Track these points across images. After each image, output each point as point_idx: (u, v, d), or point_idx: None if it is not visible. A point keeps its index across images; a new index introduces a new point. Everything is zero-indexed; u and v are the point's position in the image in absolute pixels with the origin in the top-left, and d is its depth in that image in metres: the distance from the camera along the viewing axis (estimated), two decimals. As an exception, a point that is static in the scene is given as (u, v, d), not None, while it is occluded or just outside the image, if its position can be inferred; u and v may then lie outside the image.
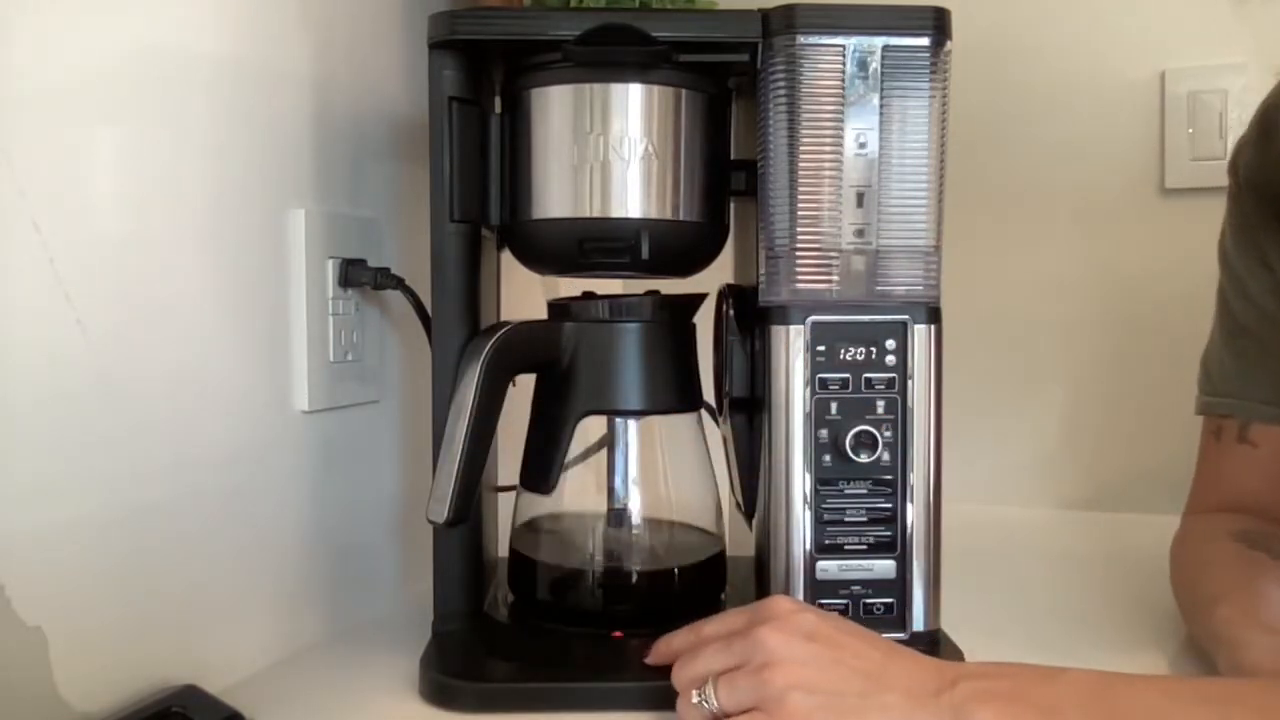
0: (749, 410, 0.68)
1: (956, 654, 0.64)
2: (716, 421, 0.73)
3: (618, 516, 0.72)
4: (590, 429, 0.71)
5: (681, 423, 0.73)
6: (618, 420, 0.72)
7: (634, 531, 0.72)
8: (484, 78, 0.69)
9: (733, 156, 0.72)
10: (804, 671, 0.51)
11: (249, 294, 0.66)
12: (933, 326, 0.65)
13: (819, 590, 0.64)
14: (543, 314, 0.72)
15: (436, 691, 0.62)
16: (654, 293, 0.72)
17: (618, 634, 0.68)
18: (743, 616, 0.56)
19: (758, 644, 0.53)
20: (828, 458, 0.64)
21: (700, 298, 0.72)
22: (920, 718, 0.50)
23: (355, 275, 0.74)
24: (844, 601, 0.64)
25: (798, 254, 0.64)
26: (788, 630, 0.53)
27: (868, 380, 0.64)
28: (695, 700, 0.54)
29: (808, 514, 0.64)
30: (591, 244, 0.66)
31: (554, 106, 0.66)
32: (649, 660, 0.61)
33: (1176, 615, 0.72)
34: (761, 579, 0.66)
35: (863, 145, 0.63)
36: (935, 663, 0.53)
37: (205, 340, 0.62)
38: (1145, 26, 1.10)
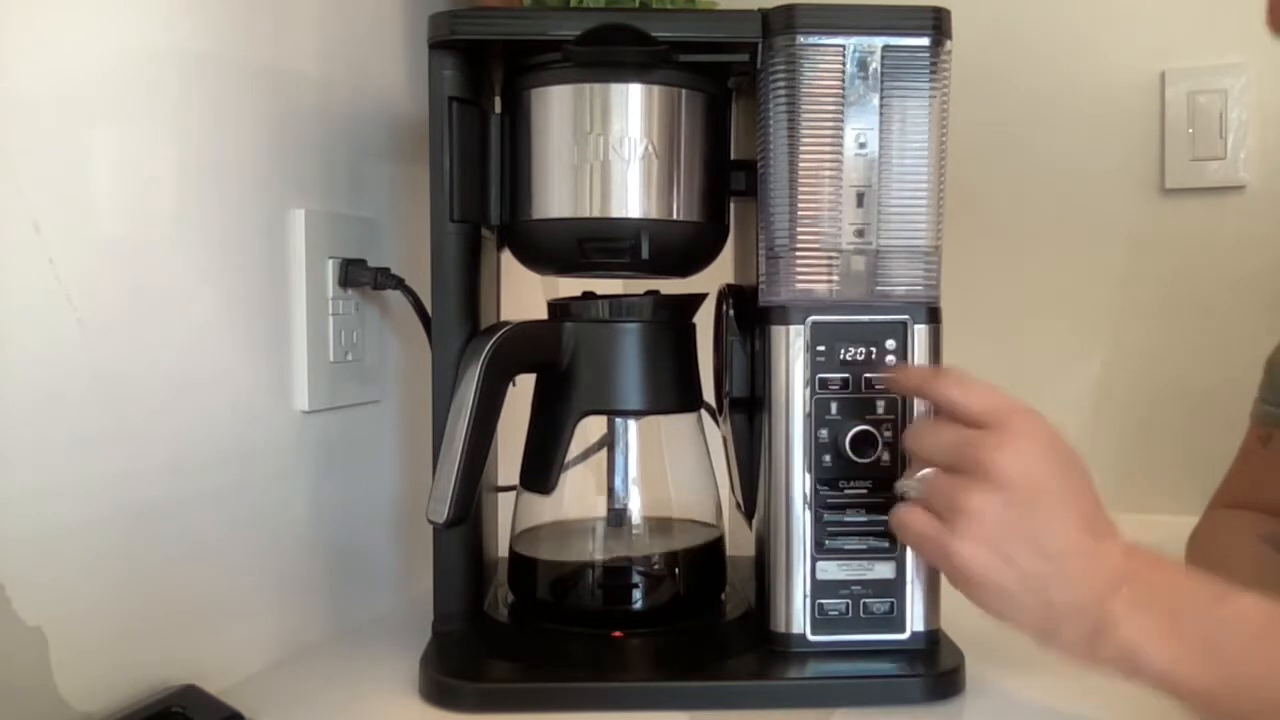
0: (749, 410, 0.68)
1: (956, 654, 0.64)
2: (716, 421, 0.73)
3: (617, 516, 0.72)
4: (590, 429, 0.71)
5: (681, 423, 0.73)
6: (618, 420, 0.72)
7: (634, 531, 0.72)
8: (484, 78, 0.69)
9: (733, 156, 0.72)
10: (998, 517, 0.51)
11: (249, 294, 0.66)
12: (933, 326, 0.65)
13: (819, 590, 0.64)
14: (543, 314, 0.72)
15: (436, 691, 0.62)
16: (654, 293, 0.72)
17: (618, 634, 0.68)
18: (990, 406, 0.54)
19: (982, 463, 0.52)
20: (828, 458, 0.64)
21: (700, 298, 0.72)
22: (1069, 626, 0.50)
23: (355, 275, 0.74)
24: (844, 601, 0.64)
25: (798, 254, 0.64)
26: (1018, 464, 0.51)
27: (868, 380, 0.64)
28: (901, 489, 0.57)
29: (808, 514, 0.64)
30: (591, 244, 0.67)
31: (554, 106, 0.66)
32: (894, 373, 0.61)
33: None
34: (761, 579, 0.66)
35: (863, 145, 0.63)
36: (1108, 555, 0.51)
37: (205, 340, 0.62)
38: (1145, 26, 1.10)
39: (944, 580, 0.65)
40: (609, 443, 0.72)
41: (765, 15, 0.64)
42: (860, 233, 0.64)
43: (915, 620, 0.64)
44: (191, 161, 0.61)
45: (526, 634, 0.69)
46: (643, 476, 0.72)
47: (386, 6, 0.81)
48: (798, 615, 0.64)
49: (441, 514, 0.61)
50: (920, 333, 0.64)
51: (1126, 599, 0.49)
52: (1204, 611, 0.48)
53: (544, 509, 0.73)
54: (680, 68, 0.66)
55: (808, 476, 0.64)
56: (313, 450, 0.72)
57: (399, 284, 0.74)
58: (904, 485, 0.56)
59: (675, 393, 0.71)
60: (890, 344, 0.64)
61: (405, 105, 0.82)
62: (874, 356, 0.64)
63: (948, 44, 0.64)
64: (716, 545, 0.73)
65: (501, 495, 0.77)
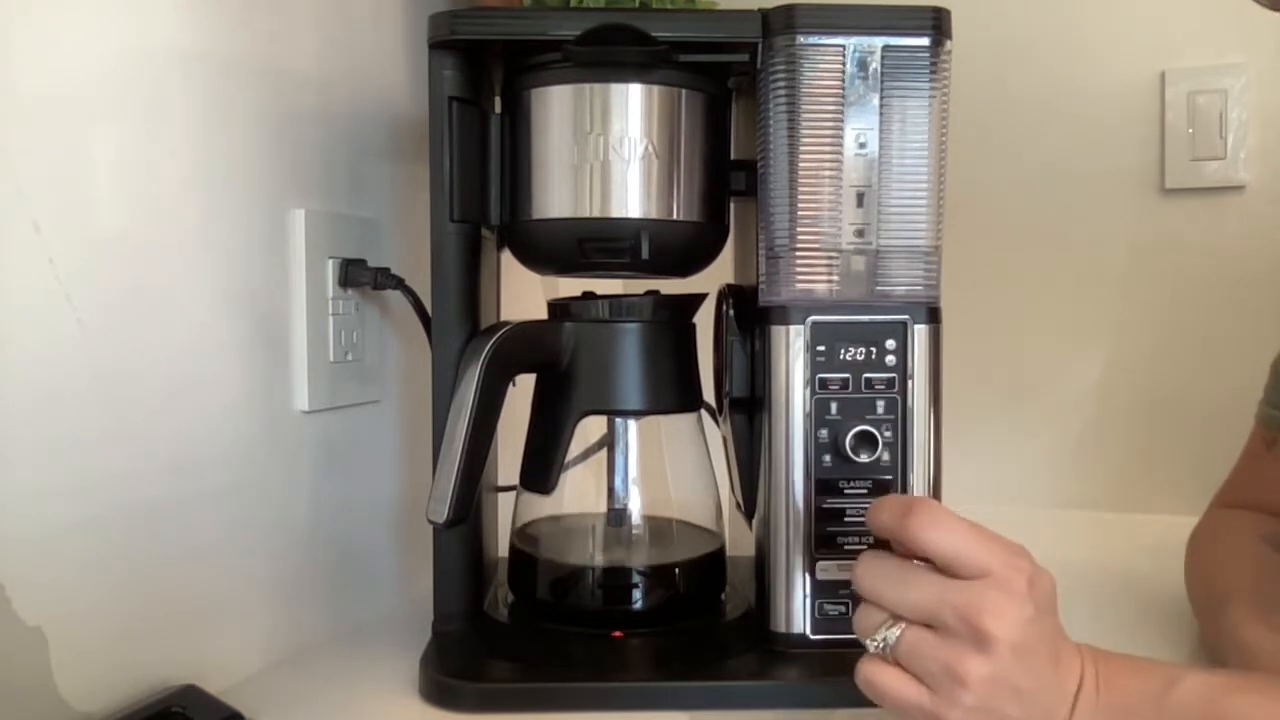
0: (749, 410, 0.68)
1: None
2: (716, 421, 0.73)
3: (617, 516, 0.72)
4: (590, 429, 0.71)
5: (681, 423, 0.73)
6: (618, 420, 0.72)
7: (634, 531, 0.72)
8: (484, 78, 0.69)
9: (733, 156, 0.72)
10: (996, 684, 0.48)
11: (249, 294, 0.66)
12: (933, 326, 0.65)
13: (819, 590, 0.64)
14: (543, 314, 0.72)
15: (436, 691, 0.62)
16: (654, 293, 0.72)
17: (618, 634, 0.68)
18: (981, 562, 0.49)
19: (976, 627, 0.48)
20: (828, 458, 0.64)
21: (700, 298, 0.72)
22: None
23: (355, 275, 0.74)
24: (844, 601, 0.64)
25: (798, 254, 0.64)
26: (1013, 627, 0.48)
27: (868, 380, 0.64)
28: (875, 643, 0.50)
29: (808, 514, 0.64)
30: (591, 244, 0.67)
31: (554, 106, 0.66)
32: (869, 517, 0.53)
33: (1181, 617, 0.72)
34: (761, 579, 0.66)
35: (863, 145, 0.63)
36: (1073, 672, 0.50)
37: (205, 340, 0.62)
38: (1145, 26, 1.10)
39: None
40: (609, 443, 0.72)
41: (765, 15, 0.64)
42: (860, 233, 0.64)
43: (915, 620, 0.64)
44: (191, 161, 0.61)
45: (526, 634, 0.69)
46: (643, 476, 0.72)
47: (386, 6, 0.81)
48: (798, 615, 0.64)
49: (441, 514, 0.61)
50: (920, 333, 0.64)
51: (1081, 712, 0.49)
52: (1151, 711, 0.49)
53: (544, 509, 0.73)
54: (680, 68, 0.66)
55: (808, 476, 0.64)
56: (313, 450, 0.72)
57: (399, 284, 0.74)
58: (878, 642, 0.50)
59: (675, 393, 0.71)
60: (890, 344, 0.64)
61: (405, 105, 0.82)
62: (874, 356, 0.64)
63: (948, 44, 0.64)
64: (716, 545, 0.73)
65: (501, 495, 0.77)
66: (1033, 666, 0.49)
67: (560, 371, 0.68)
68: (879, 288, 0.64)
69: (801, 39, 0.62)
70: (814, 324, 0.64)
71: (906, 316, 0.64)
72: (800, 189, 0.63)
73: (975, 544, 0.49)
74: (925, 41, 0.63)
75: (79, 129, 0.54)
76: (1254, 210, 1.06)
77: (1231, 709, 0.48)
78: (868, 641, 0.51)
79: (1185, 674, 0.49)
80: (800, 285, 0.64)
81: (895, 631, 0.50)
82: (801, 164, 0.63)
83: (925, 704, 0.49)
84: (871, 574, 0.51)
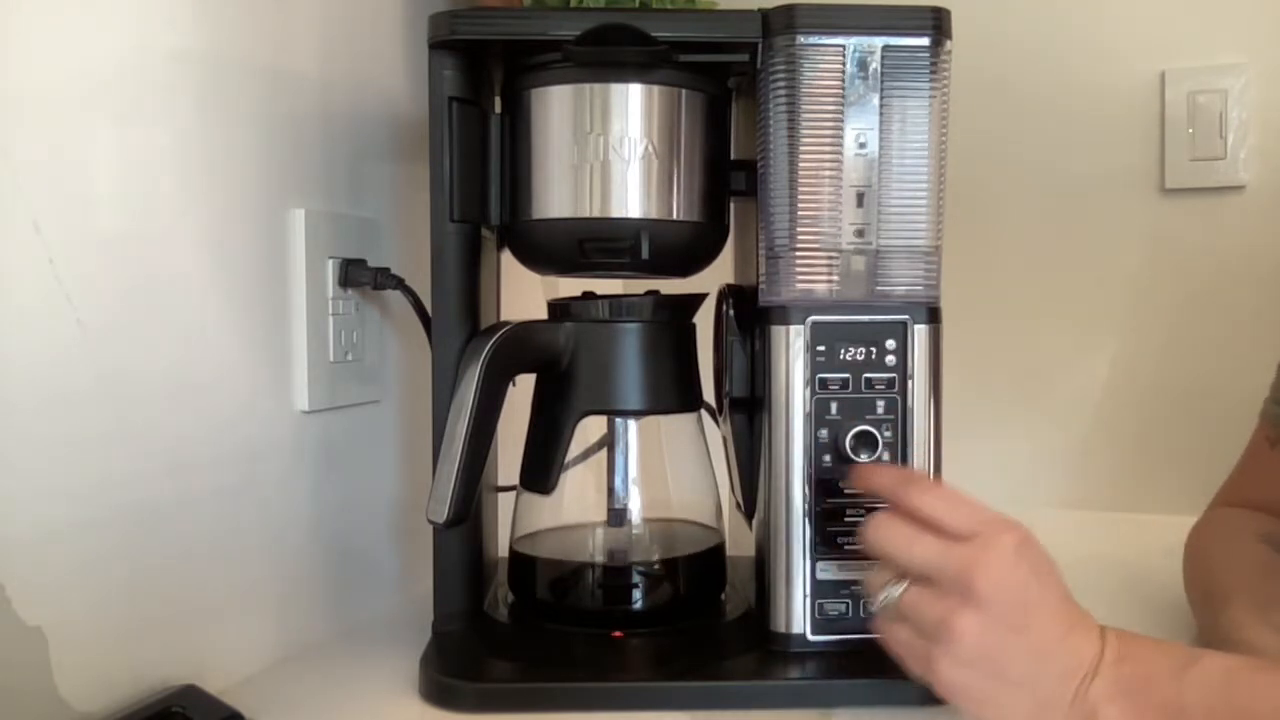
0: (749, 410, 0.68)
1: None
2: (716, 421, 0.73)
3: (617, 516, 0.72)
4: (590, 429, 0.71)
5: (681, 423, 0.73)
6: (618, 420, 0.72)
7: (634, 531, 0.72)
8: (484, 78, 0.69)
9: (733, 156, 0.72)
10: (985, 636, 0.51)
11: (249, 294, 0.66)
12: (933, 326, 0.65)
13: (819, 590, 0.64)
14: (543, 314, 0.72)
15: (436, 691, 0.62)
16: (654, 293, 0.72)
17: (618, 634, 0.68)
18: (972, 523, 0.53)
19: (966, 583, 0.51)
20: (828, 458, 0.64)
21: (700, 298, 0.72)
22: (1054, 716, 0.50)
23: (355, 275, 0.74)
24: (844, 601, 0.64)
25: (798, 254, 0.64)
26: (1002, 584, 0.51)
27: (868, 380, 0.64)
28: (881, 598, 0.54)
29: (808, 514, 0.64)
30: (591, 244, 0.66)
31: (554, 106, 0.66)
32: (864, 474, 0.59)
33: (1181, 617, 0.72)
34: (761, 579, 0.66)
35: (863, 145, 0.63)
36: (1085, 647, 0.51)
37: (205, 340, 0.62)
38: (1145, 26, 1.10)
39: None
40: (609, 443, 0.72)
41: (765, 15, 0.64)
42: (860, 233, 0.64)
43: (915, 620, 0.64)
44: (192, 161, 0.61)
45: (526, 634, 0.69)
46: (643, 476, 0.72)
47: (386, 6, 0.81)
48: (798, 615, 0.64)
49: (441, 514, 0.61)
50: (920, 333, 0.64)
51: (1100, 688, 0.50)
52: (1170, 683, 0.49)
53: (544, 509, 0.73)
54: (680, 68, 0.66)
55: (808, 476, 0.64)
56: (313, 450, 0.72)
57: (399, 284, 0.74)
58: (883, 598, 0.55)
59: (675, 393, 0.71)
60: (890, 344, 0.64)
61: (405, 105, 0.82)
62: (874, 356, 0.64)
63: (948, 44, 0.64)
64: (716, 545, 0.73)
65: (501, 495, 0.77)
66: (1029, 626, 0.51)
67: (560, 371, 0.68)
68: (879, 288, 0.64)
69: (801, 39, 0.62)
70: (814, 324, 0.64)
71: (906, 316, 0.64)
72: (800, 189, 0.63)
73: (965, 507, 0.54)
74: (925, 41, 0.63)
75: (79, 129, 0.54)
76: (1254, 210, 1.06)
77: (1251, 686, 0.48)
78: (875, 596, 0.55)
79: (1206, 653, 0.51)
80: (800, 285, 0.64)
81: (898, 590, 0.54)
82: (801, 164, 0.63)
83: (921, 655, 0.53)
84: (880, 533, 0.55)
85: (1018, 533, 0.53)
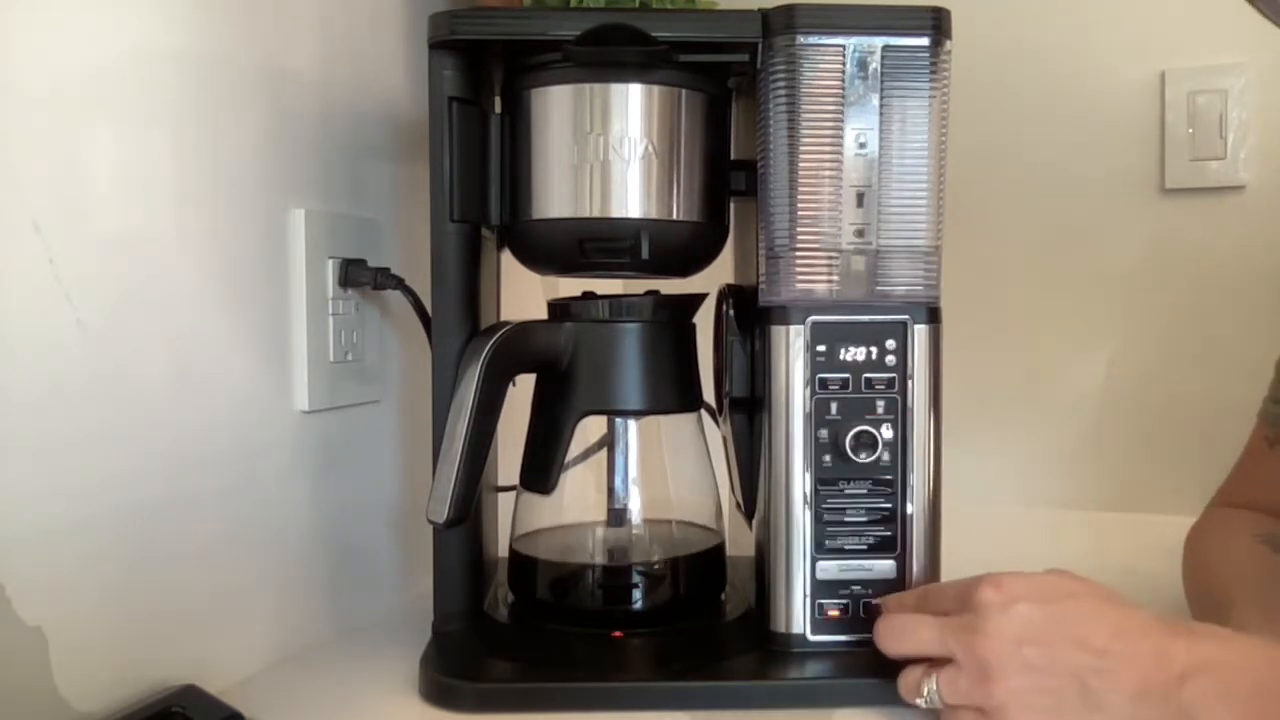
0: (749, 410, 0.68)
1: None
2: (716, 421, 0.73)
3: (617, 516, 0.72)
4: (590, 429, 0.71)
5: (681, 423, 0.73)
6: (618, 420, 0.72)
7: (634, 531, 0.72)
8: (484, 78, 0.69)
9: (733, 156, 0.72)
10: (1021, 684, 0.51)
11: (249, 294, 0.66)
12: (933, 326, 0.65)
13: (819, 590, 0.64)
14: (543, 314, 0.72)
15: (436, 691, 0.62)
16: (654, 293, 0.72)
17: (618, 634, 0.68)
18: (954, 596, 0.55)
19: (971, 653, 0.52)
20: (828, 458, 0.64)
21: (700, 298, 0.72)
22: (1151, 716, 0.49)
23: (355, 275, 0.74)
24: (844, 601, 0.64)
25: (798, 254, 0.64)
26: (1000, 637, 0.52)
27: (868, 380, 0.64)
28: (922, 701, 0.55)
29: (808, 514, 0.64)
30: (591, 244, 0.66)
31: (554, 106, 0.66)
32: (883, 609, 0.61)
33: (1181, 616, 0.72)
34: (761, 579, 0.66)
35: (863, 145, 0.63)
36: (1160, 646, 0.50)
37: (205, 340, 0.62)
38: (1145, 26, 1.10)
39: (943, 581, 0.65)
40: (609, 443, 0.72)
41: (765, 15, 0.64)
42: (860, 233, 0.64)
43: (915, 620, 0.64)
44: (191, 161, 0.61)
45: (526, 634, 0.69)
46: (643, 476, 0.72)
47: (386, 6, 0.81)
48: (798, 615, 0.64)
49: (441, 514, 0.61)
50: (920, 333, 0.64)
51: (1200, 690, 0.49)
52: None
53: (544, 509, 0.73)
54: (680, 68, 0.66)
55: (808, 476, 0.64)
56: (313, 450, 0.72)
57: (399, 284, 0.74)
58: (925, 698, 0.56)
59: (675, 393, 0.71)
60: (890, 344, 0.64)
61: (405, 105, 0.82)
62: (874, 356, 0.64)
63: (947, 44, 0.64)
64: (716, 545, 0.73)
65: (501, 495, 0.77)
66: (1054, 658, 0.51)
67: (560, 371, 0.68)
68: (879, 288, 0.64)
69: (801, 39, 0.62)
70: (814, 324, 0.64)
71: (906, 316, 0.64)
72: (800, 189, 0.63)
73: (945, 589, 0.57)
74: (925, 41, 0.63)
75: (79, 129, 0.54)
76: (1254, 210, 1.06)
77: None
78: (918, 701, 0.56)
79: None
80: (800, 285, 0.64)
81: (931, 684, 0.55)
82: (801, 164, 0.63)
83: None
84: (883, 633, 0.58)
85: (990, 581, 0.54)
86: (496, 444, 0.71)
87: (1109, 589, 0.54)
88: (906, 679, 0.56)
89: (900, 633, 0.57)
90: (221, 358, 0.64)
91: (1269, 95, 1.06)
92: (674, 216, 0.67)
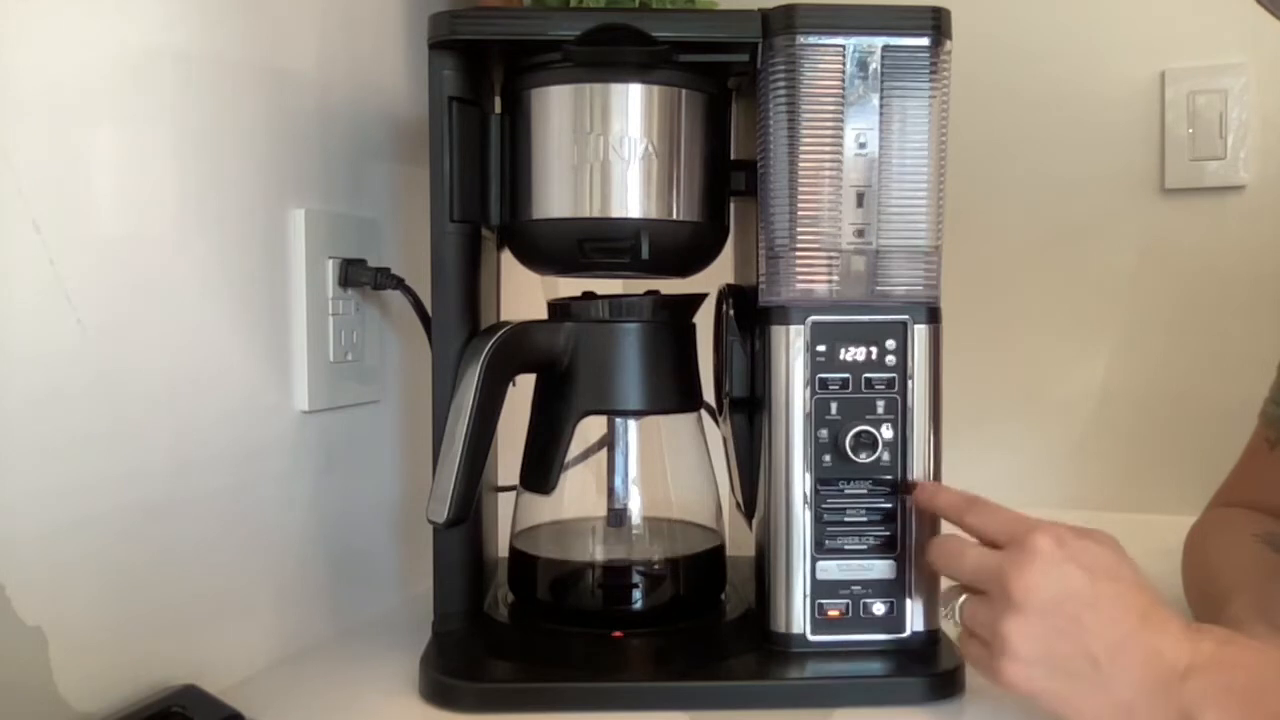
0: (749, 410, 0.68)
1: (956, 654, 0.64)
2: (716, 421, 0.73)
3: (617, 516, 0.72)
4: (590, 429, 0.71)
5: (681, 423, 0.73)
6: (618, 420, 0.72)
7: (634, 531, 0.72)
8: (484, 78, 0.69)
9: (733, 156, 0.72)
10: (1034, 637, 0.52)
11: (249, 294, 0.66)
12: (933, 326, 0.65)
13: (819, 590, 0.64)
14: (543, 314, 0.72)
15: (436, 691, 0.62)
16: (654, 293, 0.72)
17: (618, 634, 0.68)
18: (1009, 530, 0.56)
19: (1005, 589, 0.53)
20: (828, 458, 0.64)
21: (700, 298, 0.72)
22: (1142, 716, 0.50)
23: (355, 275, 0.74)
24: (844, 601, 0.64)
25: (798, 254, 0.64)
26: (1040, 590, 0.52)
27: (868, 380, 0.64)
28: (944, 614, 0.60)
29: (808, 514, 0.64)
30: (591, 244, 0.66)
31: (554, 106, 0.66)
32: (928, 492, 0.63)
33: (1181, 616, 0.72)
34: (761, 579, 0.66)
35: (863, 145, 0.63)
36: (1170, 646, 0.50)
37: (205, 340, 0.62)
38: (1145, 26, 1.10)
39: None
40: (609, 443, 0.72)
41: (765, 15, 0.64)
42: (860, 233, 0.64)
43: (915, 620, 0.64)
44: (191, 161, 0.61)
45: (526, 634, 0.69)
46: (643, 476, 0.72)
47: (386, 6, 0.81)
48: (798, 615, 0.64)
49: (441, 514, 0.61)
50: (920, 333, 0.64)
51: (1200, 689, 0.49)
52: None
53: (544, 509, 0.73)
54: (680, 68, 0.66)
55: (808, 476, 0.64)
56: (313, 450, 0.72)
57: (399, 284, 0.74)
58: (946, 611, 0.59)
59: (675, 393, 0.71)
60: (890, 344, 0.64)
61: (405, 105, 0.82)
62: (874, 356, 0.64)
63: (947, 44, 0.64)
64: (716, 545, 0.73)
65: (501, 495, 0.77)
66: (1080, 622, 0.51)
67: (560, 371, 0.68)
68: (879, 288, 0.64)
69: (801, 39, 0.62)
70: (814, 324, 0.64)
71: (906, 316, 0.64)
72: (800, 189, 0.63)
73: (1001, 516, 0.57)
74: (925, 41, 0.63)
75: (79, 129, 0.54)
76: (1254, 210, 1.06)
77: None
78: (942, 610, 0.60)
79: None
80: (800, 285, 0.64)
81: (957, 603, 0.58)
82: (801, 164, 0.63)
83: (986, 663, 0.55)
84: (935, 550, 0.61)
85: (1052, 532, 0.54)
86: (496, 444, 0.71)
87: (1144, 577, 0.54)
88: (945, 593, 0.60)
89: (950, 556, 0.59)
90: (221, 358, 0.64)
91: (1269, 95, 1.06)
92: (674, 216, 0.67)
